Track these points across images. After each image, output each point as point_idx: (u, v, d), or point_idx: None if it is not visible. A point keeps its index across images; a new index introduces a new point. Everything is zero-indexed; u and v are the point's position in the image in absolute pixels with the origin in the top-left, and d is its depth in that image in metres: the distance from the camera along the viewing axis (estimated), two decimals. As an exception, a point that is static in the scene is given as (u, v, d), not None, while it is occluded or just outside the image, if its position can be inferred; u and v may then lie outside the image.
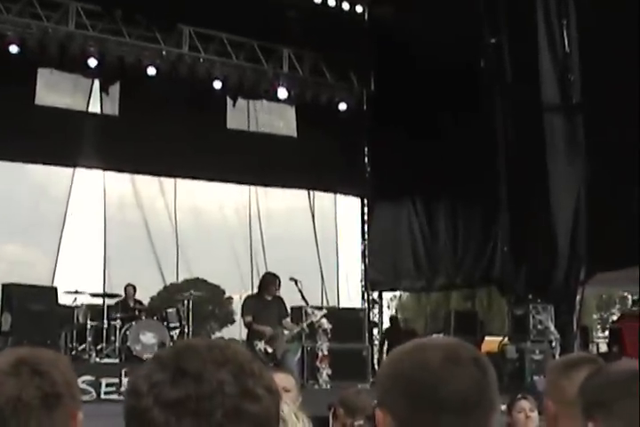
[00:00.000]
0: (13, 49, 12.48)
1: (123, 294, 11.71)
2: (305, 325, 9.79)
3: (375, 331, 15.13)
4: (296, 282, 9.80)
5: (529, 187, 12.09)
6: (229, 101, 14.81)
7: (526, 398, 5.66)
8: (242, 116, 15.02)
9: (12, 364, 1.62)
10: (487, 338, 13.60)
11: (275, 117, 15.22)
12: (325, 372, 9.59)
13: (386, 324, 15.72)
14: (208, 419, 1.15)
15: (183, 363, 1.19)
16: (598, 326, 26.15)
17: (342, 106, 15.19)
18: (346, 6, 14.58)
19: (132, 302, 11.66)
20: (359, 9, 14.98)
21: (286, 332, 9.72)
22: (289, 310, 10.20)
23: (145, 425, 1.17)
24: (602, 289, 18.60)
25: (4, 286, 10.88)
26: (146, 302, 12.50)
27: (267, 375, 1.25)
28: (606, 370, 1.98)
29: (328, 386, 9.78)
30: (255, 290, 10.20)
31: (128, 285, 11.71)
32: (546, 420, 2.55)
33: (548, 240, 11.93)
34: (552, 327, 11.56)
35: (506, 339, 12.40)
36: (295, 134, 15.27)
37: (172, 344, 1.29)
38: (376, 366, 12.02)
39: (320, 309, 10.20)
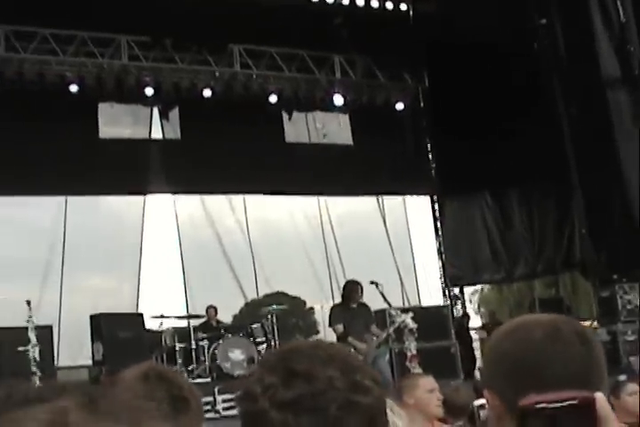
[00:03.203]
0: (73, 88, 12.89)
1: (205, 315, 11.86)
2: (391, 330, 9.80)
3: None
4: (377, 285, 9.78)
5: (600, 166, 11.84)
6: (285, 115, 14.93)
7: (633, 380, 5.50)
8: (299, 128, 15.12)
9: (140, 372, 1.73)
10: (576, 323, 13.33)
11: (331, 127, 15.28)
12: (416, 371, 9.54)
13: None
14: (324, 414, 1.20)
15: (292, 364, 1.25)
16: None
17: (399, 106, 15.17)
18: (389, 5, 14.54)
19: (214, 322, 11.79)
20: (403, 7, 14.92)
21: (374, 338, 9.73)
22: (373, 315, 10.23)
23: (264, 426, 1.22)
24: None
25: (92, 316, 11.17)
26: (229, 319, 12.64)
27: (370, 369, 1.32)
28: None
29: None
30: (335, 298, 10.19)
31: (209, 307, 11.85)
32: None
33: (626, 218, 11.66)
34: (642, 306, 11.30)
35: (595, 323, 12.15)
36: (351, 142, 15.30)
37: (275, 350, 1.37)
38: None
39: (404, 310, 10.16)
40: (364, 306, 10.02)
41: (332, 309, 10.37)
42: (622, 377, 5.64)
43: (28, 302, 8.87)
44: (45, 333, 10.26)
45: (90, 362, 11.04)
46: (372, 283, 9.85)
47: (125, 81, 13.24)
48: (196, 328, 11.33)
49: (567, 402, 0.93)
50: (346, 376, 1.24)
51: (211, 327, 11.55)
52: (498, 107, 13.35)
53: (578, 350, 1.46)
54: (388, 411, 2.42)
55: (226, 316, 12.26)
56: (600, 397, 0.93)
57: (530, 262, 14.34)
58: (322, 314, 14.07)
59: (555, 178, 12.96)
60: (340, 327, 9.70)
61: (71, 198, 13.55)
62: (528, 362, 1.45)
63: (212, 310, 11.80)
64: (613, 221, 11.89)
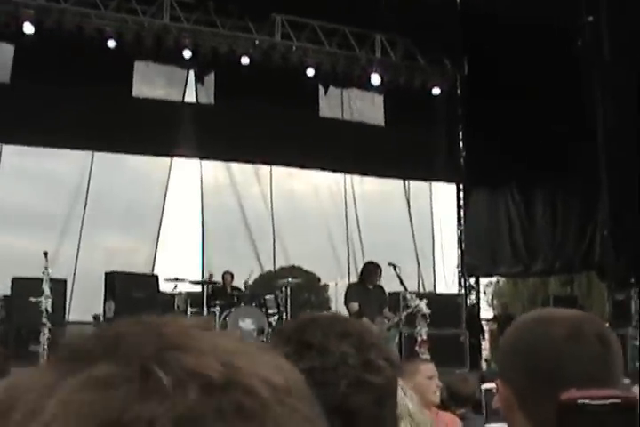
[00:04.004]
0: (111, 43, 12.84)
1: (221, 281, 11.88)
2: (404, 314, 9.81)
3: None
4: (395, 267, 9.79)
5: (630, 170, 11.73)
6: (321, 89, 14.85)
7: (637, 384, 5.51)
8: (334, 104, 15.05)
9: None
10: (588, 324, 13.29)
11: (365, 106, 15.20)
12: (424, 357, 9.53)
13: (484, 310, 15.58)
14: (333, 389, 1.18)
15: (307, 336, 1.24)
16: None
17: (435, 91, 15.06)
18: (437, -11, 14.39)
19: (229, 288, 11.82)
20: (451, -9, 14.78)
21: (386, 321, 9.75)
22: (387, 298, 10.24)
23: None
24: None
25: (106, 274, 11.22)
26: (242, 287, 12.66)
27: (386, 348, 1.31)
28: None
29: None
30: (352, 276, 10.18)
31: (226, 272, 11.86)
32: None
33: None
34: (656, 312, 11.23)
35: (607, 324, 12.09)
36: (383, 123, 15.20)
37: (292, 321, 1.36)
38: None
39: (420, 296, 10.15)
40: (380, 288, 10.05)
41: (348, 287, 10.41)
42: (626, 381, 5.62)
43: (45, 254, 8.90)
44: (59, 286, 10.33)
45: (101, 319, 11.10)
46: (389, 265, 9.86)
47: (164, 41, 13.18)
48: (210, 294, 11.36)
49: (611, 400, 0.90)
50: (359, 354, 1.23)
51: (225, 293, 11.57)
52: (534, 102, 13.22)
53: (597, 351, 1.45)
54: (399, 393, 2.39)
55: (239, 284, 12.26)
56: None
57: (548, 259, 14.28)
58: (335, 291, 14.10)
59: (583, 177, 12.87)
60: (356, 306, 9.72)
61: (98, 154, 13.54)
62: (546, 359, 1.45)
63: (228, 275, 11.80)
64: (636, 226, 11.79)
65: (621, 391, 0.89)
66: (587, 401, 0.89)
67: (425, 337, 9.64)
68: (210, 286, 11.69)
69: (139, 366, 0.54)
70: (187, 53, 13.35)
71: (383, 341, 1.35)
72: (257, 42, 13.78)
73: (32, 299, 8.80)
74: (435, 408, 4.94)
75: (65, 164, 13.57)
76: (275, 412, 0.55)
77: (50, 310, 8.66)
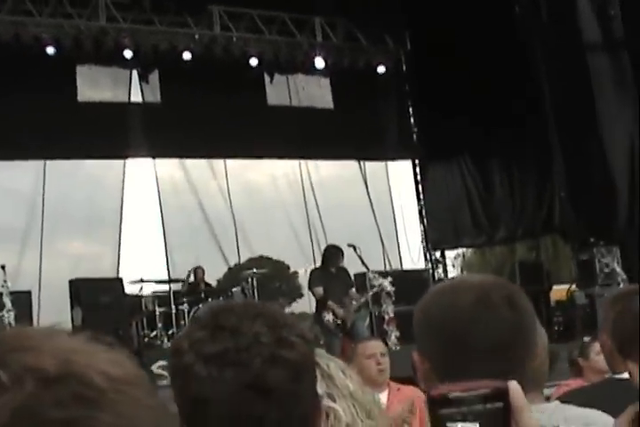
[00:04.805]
0: (50, 50, 12.65)
1: (191, 278, 11.80)
2: (370, 294, 9.86)
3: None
4: (355, 248, 9.84)
5: (580, 130, 11.84)
6: (267, 78, 14.81)
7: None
8: (281, 91, 15.00)
9: None
10: (555, 287, 13.46)
11: (312, 90, 15.18)
12: (394, 334, 9.63)
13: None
14: (248, 368, 1.21)
15: (220, 320, 1.27)
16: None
17: (381, 69, 15.05)
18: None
19: (202, 284, 11.77)
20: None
21: (354, 302, 9.79)
22: (353, 279, 10.28)
23: (189, 380, 1.24)
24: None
25: (71, 282, 11.15)
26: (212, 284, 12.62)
27: (300, 326, 1.34)
28: (633, 306, 1.92)
29: (397, 348, 9.81)
30: (317, 262, 10.23)
31: (197, 267, 11.80)
32: (604, 354, 2.48)
33: (606, 182, 11.69)
34: (619, 269, 11.38)
35: (574, 286, 12.25)
36: (332, 106, 15.21)
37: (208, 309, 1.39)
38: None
39: (383, 274, 10.22)
40: (344, 270, 10.09)
41: (311, 272, 10.45)
42: (587, 338, 5.71)
43: (3, 267, 8.83)
44: (24, 298, 10.26)
45: (69, 327, 11.03)
46: (349, 246, 9.91)
47: (104, 43, 13.03)
48: (178, 292, 11.33)
49: (481, 391, 0.92)
50: (272, 332, 1.25)
51: (197, 290, 11.52)
52: (480, 71, 13.28)
53: (505, 315, 1.45)
54: (339, 373, 2.41)
55: (208, 281, 12.24)
56: (514, 387, 0.92)
57: (510, 226, 14.41)
58: (305, 278, 14.11)
59: (535, 141, 12.96)
60: (320, 290, 9.76)
61: (50, 162, 13.42)
62: (455, 328, 1.46)
63: (199, 270, 11.74)
64: (592, 185, 11.92)
65: (491, 381, 0.91)
66: (457, 394, 0.91)
67: (392, 315, 9.72)
68: (186, 283, 11.65)
69: None
70: (128, 53, 13.21)
71: (298, 321, 1.38)
72: (197, 36, 13.68)
73: (-7, 313, 8.74)
74: (395, 383, 4.94)
75: (18, 175, 13.44)
76: (112, 400, 0.59)
77: (13, 323, 8.60)
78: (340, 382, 2.37)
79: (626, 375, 2.27)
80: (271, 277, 15.21)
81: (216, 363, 1.22)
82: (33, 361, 0.59)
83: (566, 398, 2.13)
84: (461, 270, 23.34)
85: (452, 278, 1.68)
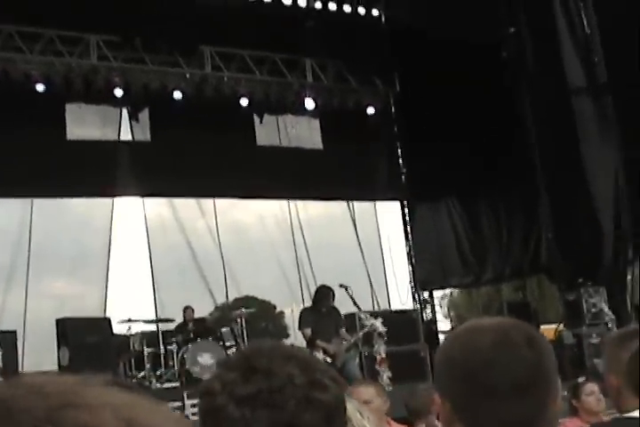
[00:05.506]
0: (40, 87, 12.66)
1: (179, 317, 11.70)
2: (361, 334, 9.82)
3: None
4: (346, 289, 9.81)
5: (565, 172, 11.98)
6: (257, 118, 14.89)
7: (592, 380, 5.61)
8: (271, 131, 15.09)
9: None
10: (543, 327, 13.46)
11: (302, 131, 15.28)
12: (386, 375, 9.56)
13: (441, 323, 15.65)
14: (282, 410, 1.21)
15: (252, 361, 1.27)
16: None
17: (370, 110, 15.20)
18: (362, 11, 14.60)
19: (191, 323, 11.67)
20: (375, 12, 14.98)
21: (344, 342, 9.74)
22: (343, 319, 10.24)
23: (221, 421, 1.22)
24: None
25: (57, 321, 11.02)
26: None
27: (329, 368, 1.35)
28: None
29: (390, 388, 9.76)
30: (306, 302, 10.18)
31: (187, 307, 11.72)
32: (610, 394, 2.52)
33: (592, 222, 11.80)
34: (606, 309, 11.41)
35: (561, 325, 12.27)
36: (321, 147, 15.30)
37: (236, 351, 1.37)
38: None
39: (374, 315, 10.19)
40: (335, 310, 10.07)
41: (301, 312, 10.40)
42: (581, 379, 5.73)
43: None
44: (9, 337, 10.12)
45: (56, 367, 10.88)
46: (341, 286, 9.88)
47: (94, 81, 13.07)
48: (166, 332, 11.22)
49: None
50: (305, 374, 1.25)
51: (187, 329, 11.42)
52: (468, 114, 13.46)
53: (525, 354, 1.47)
54: (357, 414, 2.40)
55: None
56: None
57: (497, 267, 14.47)
58: (292, 318, 14.05)
59: (521, 183, 13.09)
60: (309, 331, 9.72)
61: (37, 200, 13.35)
62: (476, 369, 1.46)
63: (189, 310, 11.65)
64: (579, 226, 12.02)
65: None
66: None
67: (384, 355, 9.67)
68: (182, 324, 11.56)
69: None
70: (118, 92, 13.26)
71: (327, 365, 1.39)
72: (188, 75, 13.77)
73: (-19, 354, 8.61)
74: (395, 423, 4.90)
75: (4, 212, 13.35)
76: None
77: (0, 363, 8.47)
78: (357, 424, 2.36)
79: (635, 414, 2.30)
80: (258, 317, 15.11)
81: (249, 404, 1.21)
82: (93, 421, 0.53)
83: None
84: (448, 311, 23.35)
85: (468, 322, 1.68)
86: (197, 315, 11.87)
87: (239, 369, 1.26)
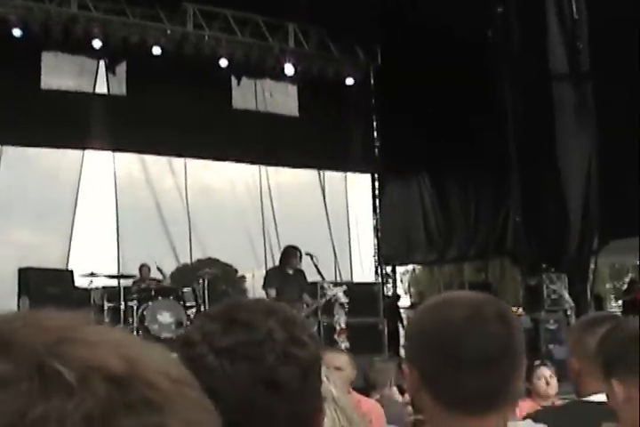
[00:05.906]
0: (17, 32, 12.41)
1: (138, 274, 11.71)
2: (323, 301, 9.85)
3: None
4: (312, 257, 9.82)
5: (539, 157, 12.05)
6: (234, 80, 14.76)
7: (545, 364, 5.75)
8: (247, 95, 14.98)
9: None
10: (502, 309, 13.61)
11: (279, 96, 15.17)
12: (344, 345, 9.62)
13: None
14: (260, 363, 1.23)
15: (233, 314, 1.29)
16: (612, 296, 26.10)
17: (349, 81, 15.13)
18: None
19: (147, 281, 11.64)
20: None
21: (305, 306, 9.78)
22: (307, 282, 10.26)
23: (199, 371, 1.21)
24: (615, 258, 18.56)
25: (20, 270, 10.95)
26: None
27: (309, 326, 1.40)
28: (625, 325, 1.98)
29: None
30: (268, 267, 10.19)
31: (143, 265, 11.68)
32: (570, 378, 2.57)
33: (560, 210, 11.91)
34: (566, 296, 11.56)
35: (520, 309, 12.42)
36: (297, 114, 15.22)
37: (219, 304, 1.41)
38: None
39: (337, 284, 10.22)
40: (300, 272, 10.06)
41: (267, 272, 10.43)
42: (536, 362, 5.84)
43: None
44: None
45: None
46: (306, 254, 9.89)
47: (73, 30, 12.85)
48: (127, 288, 11.17)
49: None
50: (284, 329, 1.26)
51: (143, 287, 11.39)
52: (446, 91, 13.43)
53: (497, 330, 1.48)
54: (323, 378, 2.41)
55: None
56: None
57: (462, 246, 14.55)
58: (252, 282, 14.09)
59: (494, 164, 13.14)
60: (273, 292, 9.72)
61: (6, 148, 13.14)
62: (446, 340, 1.48)
63: (145, 268, 11.61)
64: (547, 212, 12.12)
65: None
66: None
67: (343, 326, 9.72)
68: (138, 280, 11.51)
69: (35, 362, 0.52)
70: (97, 43, 13.06)
71: (306, 323, 1.40)
72: (169, 31, 13.57)
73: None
74: (356, 394, 4.93)
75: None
76: (176, 403, 0.55)
77: (-41, 308, 8.39)
78: (324, 387, 2.36)
79: (592, 398, 2.34)
80: (220, 279, 15.11)
81: (228, 356, 1.23)
82: (95, 358, 0.53)
83: (537, 418, 2.16)
84: (409, 287, 23.52)
85: (444, 294, 1.69)
86: (159, 273, 11.80)
87: (220, 321, 1.28)
